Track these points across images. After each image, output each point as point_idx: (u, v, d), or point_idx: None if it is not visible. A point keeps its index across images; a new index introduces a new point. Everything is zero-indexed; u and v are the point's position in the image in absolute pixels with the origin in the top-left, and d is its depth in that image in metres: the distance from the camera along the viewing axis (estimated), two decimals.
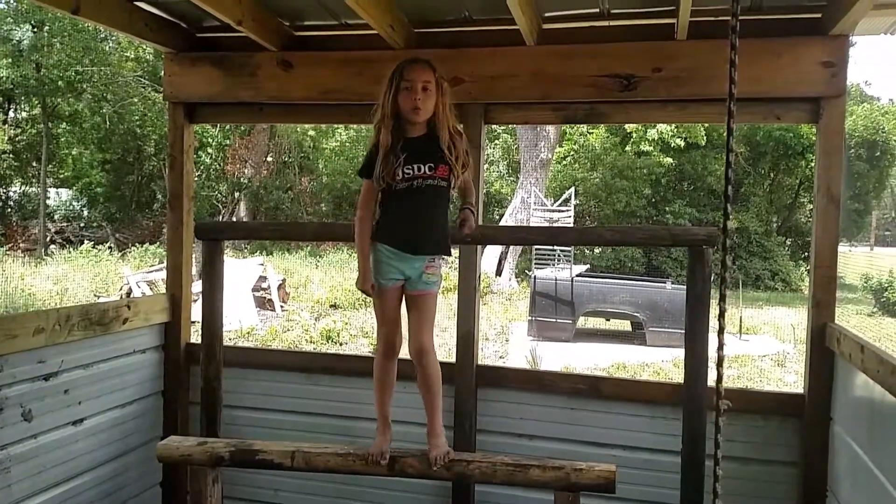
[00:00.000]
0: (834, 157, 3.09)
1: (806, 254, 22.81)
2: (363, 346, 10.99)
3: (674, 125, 21.43)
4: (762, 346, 11.73)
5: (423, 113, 2.59)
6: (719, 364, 1.21)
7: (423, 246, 2.63)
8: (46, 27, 22.00)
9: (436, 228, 2.65)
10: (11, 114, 25.90)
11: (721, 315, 1.22)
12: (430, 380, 2.65)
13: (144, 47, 21.92)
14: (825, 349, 3.03)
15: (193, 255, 4.07)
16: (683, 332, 2.86)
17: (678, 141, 21.73)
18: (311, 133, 25.97)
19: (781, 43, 3.09)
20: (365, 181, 2.68)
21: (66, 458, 3.15)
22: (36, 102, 23.79)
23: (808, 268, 21.05)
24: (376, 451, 2.65)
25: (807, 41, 3.08)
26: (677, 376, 9.14)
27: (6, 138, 23.57)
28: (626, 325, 13.08)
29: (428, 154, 2.59)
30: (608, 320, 13.26)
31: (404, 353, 2.75)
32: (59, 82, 22.03)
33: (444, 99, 2.63)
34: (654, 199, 23.56)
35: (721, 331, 1.25)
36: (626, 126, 22.20)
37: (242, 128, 24.32)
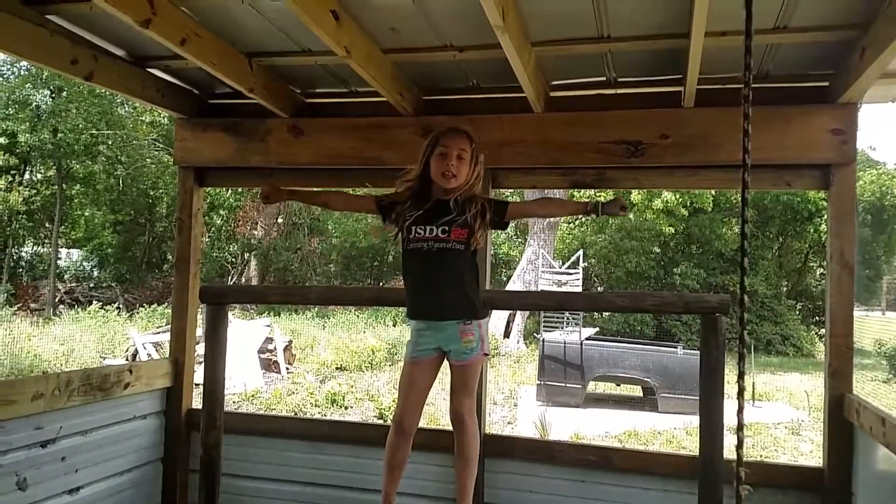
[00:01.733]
0: (846, 223, 3.07)
1: (817, 318, 22.60)
2: (369, 409, 10.81)
3: (678, 194, 21.56)
4: (776, 413, 11.48)
5: (454, 180, 2.60)
6: (739, 446, 1.15)
7: (447, 310, 2.59)
8: (64, 92, 22.57)
9: (457, 291, 2.61)
10: (27, 175, 26.32)
11: (740, 393, 1.16)
12: (466, 448, 2.59)
13: (159, 112, 22.41)
14: (844, 420, 2.94)
15: (200, 318, 4.03)
16: (695, 398, 2.78)
17: (682, 210, 21.83)
18: None
19: (790, 110, 3.10)
20: (368, 198, 2.74)
21: None
22: (51, 164, 24.22)
23: (819, 332, 20.87)
24: None
25: (816, 109, 3.09)
26: (690, 444, 8.92)
27: (21, 199, 23.89)
28: (637, 391, 12.85)
29: (443, 217, 2.59)
30: (619, 385, 13.04)
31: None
32: (76, 146, 22.47)
33: (477, 169, 2.67)
34: (662, 262, 23.51)
35: (741, 410, 1.19)
36: (632, 198, 22.38)
37: (254, 190, 24.61)
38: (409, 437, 2.65)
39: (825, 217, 3.17)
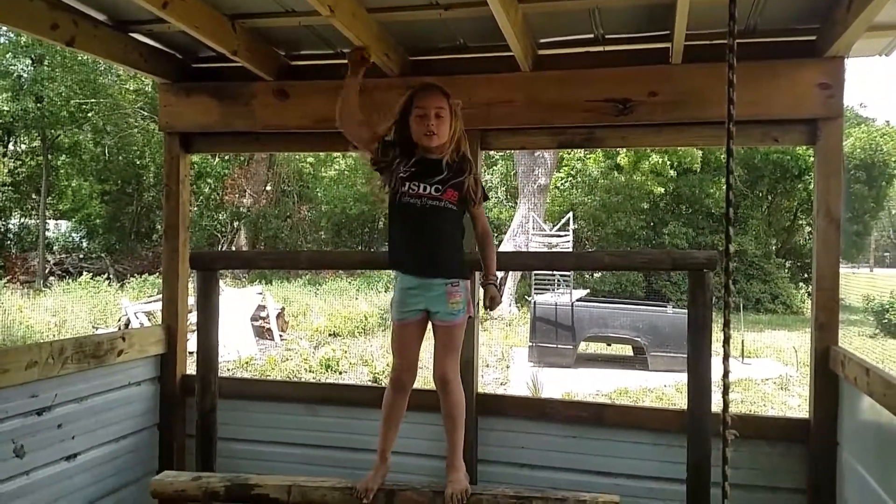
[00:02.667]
0: (833, 178, 3.08)
1: (806, 276, 22.78)
2: (363, 374, 10.90)
3: (666, 155, 21.55)
4: (764, 369, 11.65)
5: (436, 139, 2.60)
6: (725, 392, 1.17)
7: (438, 268, 2.61)
8: (46, 60, 22.21)
9: (448, 251, 2.64)
10: (11, 146, 26.02)
11: (726, 341, 1.18)
12: (453, 409, 2.61)
13: (143, 79, 22.11)
14: (830, 373, 2.99)
15: (190, 285, 4.04)
16: (685, 356, 2.82)
17: (670, 171, 21.84)
18: (311, 161, 26.10)
19: (777, 65, 3.09)
20: (375, 139, 2.68)
21: (60, 494, 3.08)
22: (36, 135, 23.94)
23: (808, 290, 21.06)
24: (362, 486, 2.58)
25: (802, 63, 3.08)
26: (680, 401, 9.05)
27: (6, 171, 23.64)
28: (627, 350, 13.00)
29: (435, 176, 2.60)
30: (609, 345, 13.18)
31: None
32: (62, 112, 22.19)
33: (458, 124, 2.65)
34: (652, 223, 23.59)
35: (726, 357, 1.21)
36: (618, 159, 22.36)
37: (241, 157, 24.45)
38: (406, 394, 2.70)
39: (814, 174, 3.16)
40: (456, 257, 2.66)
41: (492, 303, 2.71)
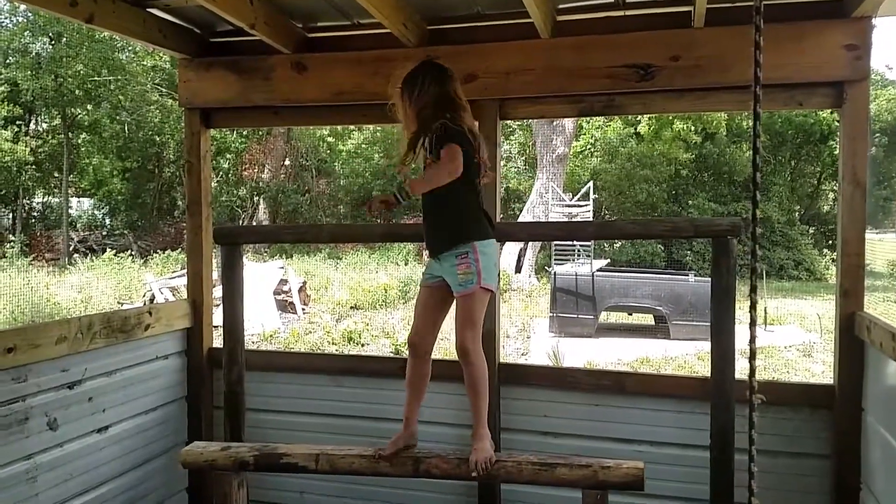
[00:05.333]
0: (859, 142, 3.03)
1: (830, 242, 22.52)
2: (385, 346, 10.99)
3: (690, 121, 21.24)
4: (788, 336, 11.59)
5: (406, 130, 2.71)
6: (751, 358, 1.17)
7: (434, 246, 2.71)
8: (64, 38, 22.28)
9: (438, 222, 2.69)
10: (32, 125, 26.24)
11: (752, 307, 1.18)
12: (473, 380, 2.63)
13: (160, 55, 22.14)
14: (855, 338, 2.97)
15: (214, 260, 4.08)
16: (707, 324, 2.82)
17: (694, 136, 21.53)
18: (327, 133, 26.04)
19: (802, 27, 3.03)
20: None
21: (92, 465, 3.16)
22: (56, 113, 24.10)
23: (832, 256, 20.83)
24: (386, 449, 2.65)
25: (828, 24, 3.02)
26: (702, 369, 9.04)
27: (28, 150, 23.87)
28: (648, 319, 12.98)
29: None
30: (630, 315, 13.16)
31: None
32: (77, 91, 22.30)
33: (405, 102, 2.71)
34: (674, 191, 23.34)
35: (753, 323, 1.21)
36: (639, 128, 22.07)
37: (259, 132, 24.48)
38: (423, 357, 2.72)
39: (839, 138, 3.09)
40: (445, 225, 2.67)
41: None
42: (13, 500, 2.75)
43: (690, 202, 22.55)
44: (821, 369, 9.47)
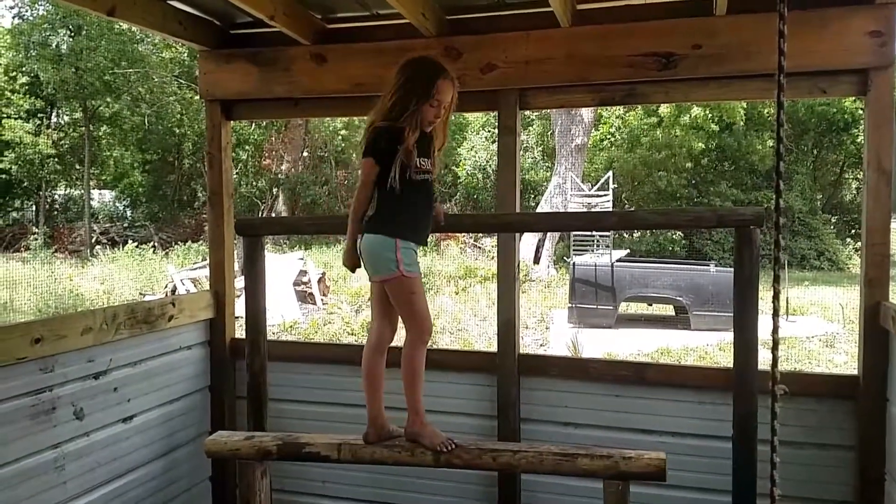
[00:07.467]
0: (884, 130, 2.98)
1: (853, 231, 22.23)
2: (402, 336, 11.01)
3: (708, 109, 21.02)
4: (810, 327, 11.48)
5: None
6: (774, 348, 1.16)
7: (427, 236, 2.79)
8: (84, 31, 22.47)
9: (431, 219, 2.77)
10: (54, 118, 26.52)
11: (776, 297, 1.17)
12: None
13: (179, 47, 22.26)
14: (879, 329, 2.93)
15: (235, 252, 4.11)
16: (729, 315, 2.80)
17: (712, 125, 21.31)
18: (340, 127, 25.92)
19: (826, 13, 2.98)
20: (370, 161, 2.61)
21: (118, 454, 3.21)
22: (77, 106, 24.34)
23: (855, 246, 20.58)
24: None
25: (853, 11, 2.97)
26: (723, 360, 8.99)
27: (50, 142, 24.14)
28: (668, 310, 12.90)
29: (427, 148, 2.66)
30: (650, 305, 13.09)
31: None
32: (97, 84, 22.49)
33: (452, 107, 2.68)
34: (694, 181, 23.14)
35: (776, 313, 1.20)
36: (660, 112, 21.86)
37: (278, 123, 24.56)
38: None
39: (862, 127, 3.08)
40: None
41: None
42: (42, 487, 2.80)
43: (712, 189, 22.34)
44: (843, 360, 9.39)
